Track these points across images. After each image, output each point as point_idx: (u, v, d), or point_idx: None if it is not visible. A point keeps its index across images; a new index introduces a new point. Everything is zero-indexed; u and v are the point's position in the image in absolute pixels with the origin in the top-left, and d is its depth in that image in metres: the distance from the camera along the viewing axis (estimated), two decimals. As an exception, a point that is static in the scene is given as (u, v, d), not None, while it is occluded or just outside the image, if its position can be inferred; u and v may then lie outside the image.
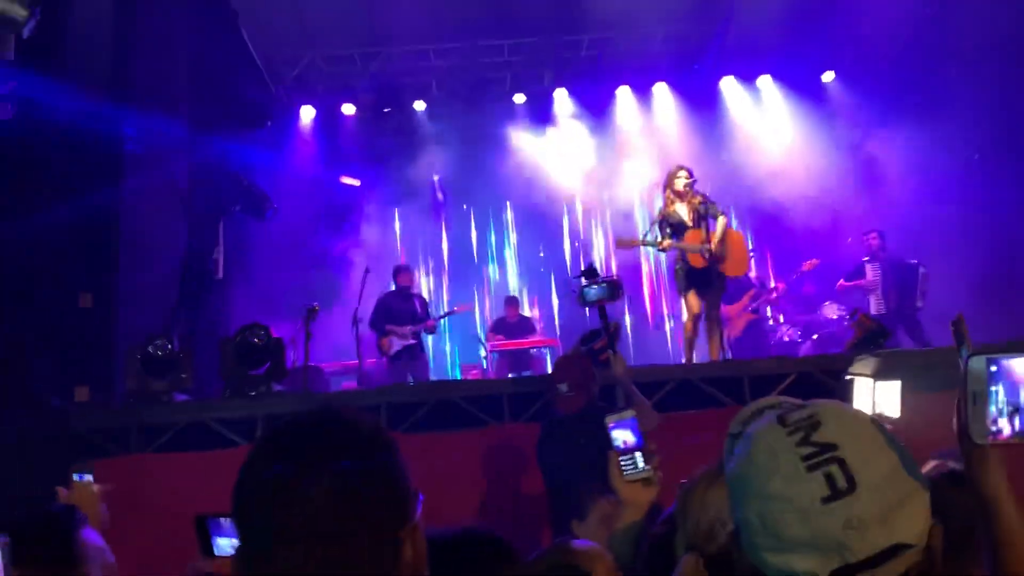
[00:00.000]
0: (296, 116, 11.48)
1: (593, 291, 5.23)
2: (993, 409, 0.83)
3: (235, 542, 1.11)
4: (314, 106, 11.58)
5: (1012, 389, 0.84)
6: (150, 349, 5.41)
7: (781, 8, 10.26)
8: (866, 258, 9.00)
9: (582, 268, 5.90)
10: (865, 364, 4.75)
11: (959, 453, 1.21)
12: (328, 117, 11.61)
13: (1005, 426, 0.83)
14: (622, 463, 1.78)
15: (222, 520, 1.78)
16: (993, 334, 8.27)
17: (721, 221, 6.74)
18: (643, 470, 1.78)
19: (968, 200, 9.39)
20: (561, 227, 12.30)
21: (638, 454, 1.77)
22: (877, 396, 4.25)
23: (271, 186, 9.45)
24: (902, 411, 3.98)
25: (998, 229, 9.13)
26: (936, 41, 9.73)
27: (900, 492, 0.99)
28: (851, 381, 4.67)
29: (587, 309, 6.12)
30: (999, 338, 7.56)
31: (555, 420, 4.27)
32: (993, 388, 0.83)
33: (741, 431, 1.15)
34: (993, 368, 0.83)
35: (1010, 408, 0.83)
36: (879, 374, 4.48)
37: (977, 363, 0.83)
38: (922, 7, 9.47)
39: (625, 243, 7.27)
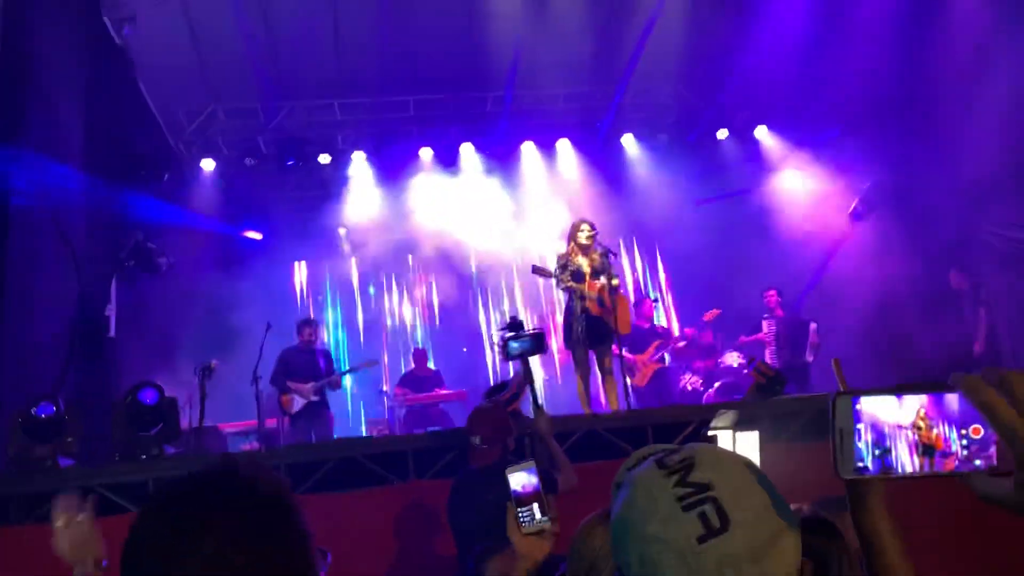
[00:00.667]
0: (196, 169, 11.22)
1: (517, 345, 5.25)
2: (860, 445, 0.86)
3: None
4: (215, 159, 11.35)
5: (876, 427, 0.87)
6: (33, 412, 5.12)
7: (675, 72, 10.79)
8: (765, 315, 9.61)
9: (507, 321, 5.95)
10: (724, 417, 4.87)
11: (832, 501, 1.25)
12: (229, 170, 11.39)
13: (870, 463, 0.87)
14: (520, 515, 1.77)
15: None
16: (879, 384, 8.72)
17: (614, 281, 6.90)
18: (541, 521, 1.77)
19: (856, 255, 9.94)
20: (468, 278, 12.34)
21: (535, 505, 1.76)
22: (737, 448, 4.36)
23: (169, 240, 9.19)
24: (761, 462, 4.09)
25: (884, 284, 9.65)
26: (825, 99, 10.31)
27: (771, 529, 1.02)
28: (714, 437, 4.78)
29: (510, 362, 6.15)
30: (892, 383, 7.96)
31: (467, 473, 4.23)
32: (859, 426, 0.86)
33: (624, 479, 1.17)
34: (858, 406, 0.87)
35: (875, 445, 0.87)
36: (738, 426, 4.59)
37: (843, 401, 0.87)
38: (814, 69, 10.02)
39: (540, 271, 7.35)
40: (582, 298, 6.84)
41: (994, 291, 8.82)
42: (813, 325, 9.41)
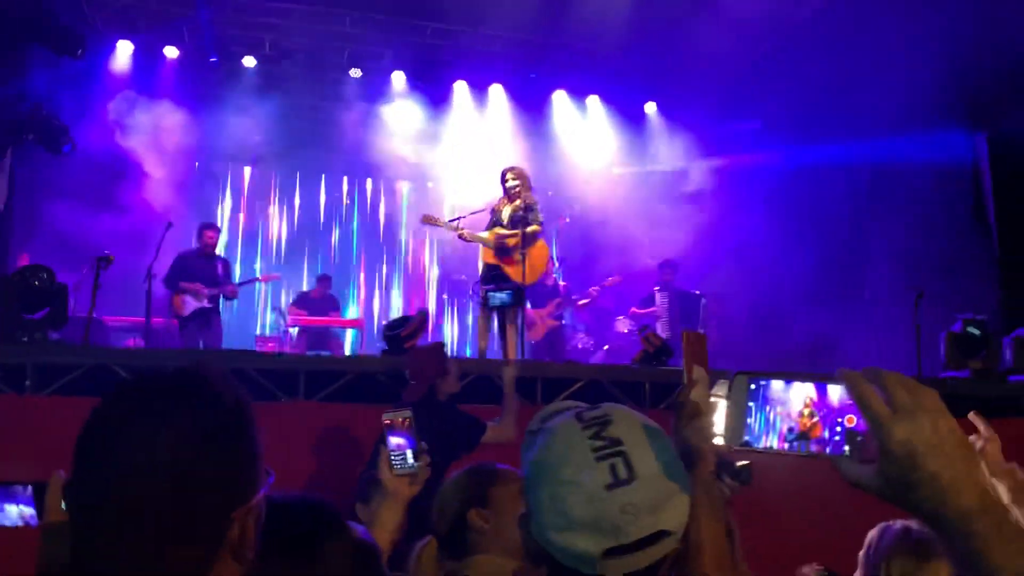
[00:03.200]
0: (112, 50, 10.60)
1: (499, 296, 5.33)
2: (749, 421, 0.98)
3: (24, 509, 1.06)
4: (133, 42, 10.74)
5: (765, 406, 0.98)
6: (-91, 278, 4.88)
7: (614, 35, 10.84)
8: (657, 287, 9.83)
9: (484, 270, 6.04)
10: (720, 387, 5.11)
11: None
12: (148, 57, 10.81)
13: (754, 438, 0.98)
14: (392, 458, 1.86)
15: (17, 488, 1.67)
16: (759, 364, 9.18)
17: (532, 228, 6.98)
18: (412, 466, 1.87)
19: (756, 242, 10.36)
20: (389, 206, 12.20)
21: (409, 451, 1.85)
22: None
23: (74, 121, 8.73)
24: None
25: (771, 267, 10.13)
26: (754, 89, 10.60)
27: (669, 487, 1.16)
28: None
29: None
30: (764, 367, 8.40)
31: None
32: (750, 403, 0.97)
33: (540, 427, 1.28)
34: (753, 386, 0.98)
35: (762, 422, 0.98)
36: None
37: (740, 379, 0.98)
38: (740, 48, 10.25)
39: (430, 220, 7.40)
40: (472, 239, 6.96)
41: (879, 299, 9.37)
42: (704, 301, 9.75)
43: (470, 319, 11.84)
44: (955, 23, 8.37)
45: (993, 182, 8.24)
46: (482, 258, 7.00)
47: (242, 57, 11.17)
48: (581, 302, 10.00)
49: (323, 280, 10.12)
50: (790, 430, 0.97)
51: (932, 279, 7.61)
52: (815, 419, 0.96)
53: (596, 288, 10.08)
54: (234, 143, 11.17)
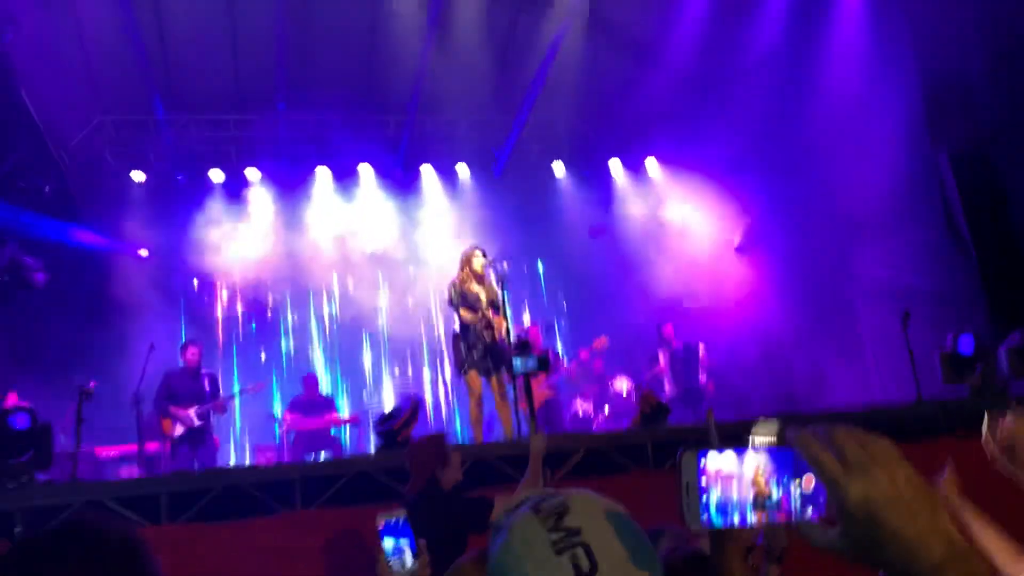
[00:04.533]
0: (82, 181, 10.71)
1: (523, 363, 5.27)
2: (704, 499, 0.94)
3: None
4: (100, 171, 10.87)
5: (718, 481, 0.94)
6: None
7: (575, 102, 11.11)
8: (660, 346, 10.07)
9: (515, 341, 6.00)
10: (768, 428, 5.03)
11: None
12: (116, 183, 10.94)
13: (714, 515, 0.94)
14: (390, 560, 1.82)
15: None
16: (761, 407, 9.15)
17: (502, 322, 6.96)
18: (411, 567, 1.82)
19: (740, 285, 10.43)
20: (375, 298, 12.18)
21: (407, 551, 1.81)
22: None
23: (49, 255, 8.75)
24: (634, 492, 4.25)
25: (765, 314, 10.17)
26: (713, 134, 10.77)
27: (635, 573, 1.09)
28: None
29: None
30: (770, 410, 8.37)
31: (402, 501, 4.20)
32: (702, 480, 0.94)
33: (502, 524, 1.22)
34: (702, 462, 0.94)
35: (718, 498, 0.94)
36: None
37: (688, 457, 0.94)
38: (701, 106, 10.47)
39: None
40: (488, 327, 6.86)
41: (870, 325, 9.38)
42: (702, 346, 9.89)
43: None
44: (901, 49, 8.60)
45: (961, 199, 8.33)
46: (482, 337, 6.91)
47: (208, 170, 11.30)
48: (571, 366, 10.06)
49: (310, 380, 10.01)
50: (749, 500, 0.93)
51: (921, 303, 7.62)
52: (771, 486, 0.92)
53: (584, 351, 10.11)
54: (212, 258, 11.22)
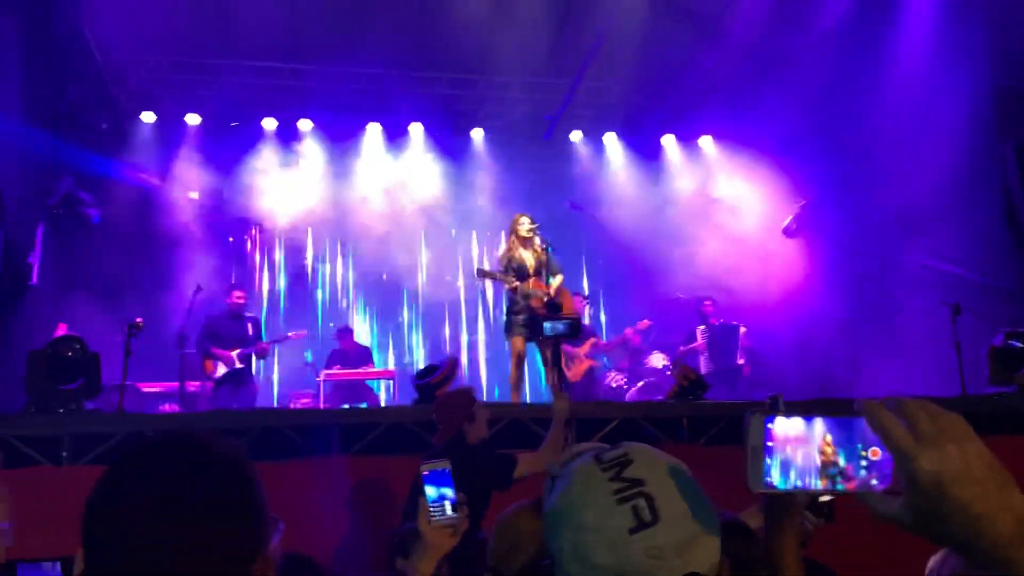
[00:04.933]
0: (136, 121, 10.88)
1: (555, 326, 5.34)
2: (769, 462, 0.94)
3: None
4: (156, 112, 11.03)
5: (785, 446, 0.94)
6: (-54, 356, 4.96)
7: (628, 73, 10.95)
8: (701, 327, 10.02)
9: (546, 301, 6.07)
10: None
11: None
12: (170, 125, 11.08)
13: (777, 479, 0.94)
14: (431, 509, 1.83)
15: (45, 564, 1.67)
16: (798, 393, 9.07)
17: (559, 278, 7.00)
18: (451, 517, 1.83)
19: (786, 268, 10.30)
20: (412, 256, 12.25)
21: (447, 502, 1.82)
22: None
23: (103, 193, 8.92)
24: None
25: (806, 294, 10.04)
26: (769, 114, 10.57)
27: (696, 527, 1.09)
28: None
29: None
30: (805, 396, 8.30)
31: (428, 451, 4.28)
32: (769, 443, 0.94)
33: (560, 472, 1.23)
34: (770, 426, 0.94)
35: (783, 463, 0.94)
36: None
37: (755, 420, 0.94)
38: (760, 84, 10.27)
39: (486, 274, 7.39)
40: (527, 296, 6.90)
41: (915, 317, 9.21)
42: (743, 329, 9.87)
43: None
44: (974, 36, 8.33)
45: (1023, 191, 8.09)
46: (530, 307, 6.95)
47: (262, 119, 11.39)
48: (615, 343, 10.07)
49: (345, 332, 10.11)
50: (814, 467, 0.93)
51: (970, 295, 7.45)
52: (838, 455, 0.91)
53: (630, 330, 10.11)
54: (259, 205, 11.35)
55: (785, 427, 0.94)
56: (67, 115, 8.36)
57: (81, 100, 8.44)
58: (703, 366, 9.70)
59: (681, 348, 10.13)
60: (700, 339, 10.00)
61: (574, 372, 9.20)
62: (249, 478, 1.09)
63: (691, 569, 1.07)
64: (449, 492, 1.85)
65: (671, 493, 1.11)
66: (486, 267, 7.40)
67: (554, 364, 6.40)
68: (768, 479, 0.93)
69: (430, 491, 1.84)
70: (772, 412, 0.95)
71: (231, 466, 1.07)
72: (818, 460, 0.92)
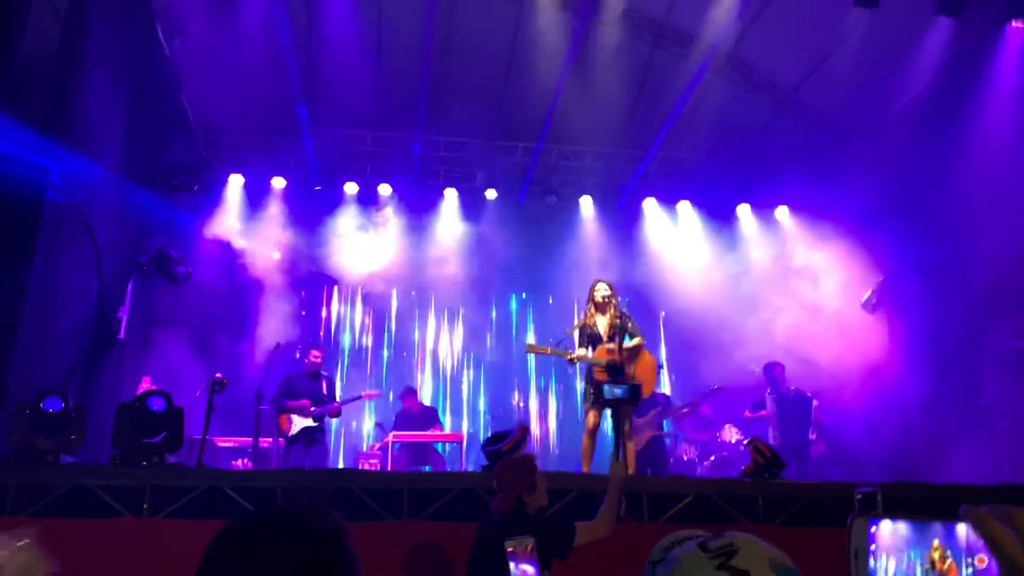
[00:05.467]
0: (224, 183, 11.38)
1: (616, 390, 5.32)
2: (874, 566, 0.93)
3: None
4: (244, 175, 11.52)
5: (890, 550, 0.93)
6: (41, 405, 5.16)
7: (699, 142, 11.01)
8: (768, 391, 9.56)
9: (607, 365, 6.07)
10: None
11: None
12: (257, 188, 11.54)
13: None
14: None
15: None
16: (874, 473, 8.74)
17: (636, 340, 6.88)
18: None
19: (864, 345, 10.01)
20: (488, 320, 12.38)
21: None
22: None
23: (189, 250, 9.29)
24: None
25: (887, 377, 9.71)
26: (847, 187, 10.44)
27: None
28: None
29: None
30: (883, 478, 8.00)
31: (485, 519, 4.26)
32: (872, 547, 0.93)
33: (663, 557, 1.23)
34: (873, 529, 0.93)
35: (888, 567, 0.93)
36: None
37: (859, 523, 0.94)
38: (838, 155, 10.19)
39: (534, 349, 7.33)
40: (591, 372, 6.83)
41: (1001, 400, 8.84)
42: (816, 402, 9.40)
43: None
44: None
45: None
46: (596, 377, 6.88)
47: (344, 183, 11.77)
48: (683, 410, 9.78)
49: (409, 393, 10.18)
50: (921, 573, 0.91)
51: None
52: (948, 560, 0.90)
53: (700, 395, 9.87)
54: (336, 265, 11.66)
55: (890, 530, 0.93)
56: (161, 176, 8.77)
57: (175, 162, 8.85)
58: (771, 438, 9.20)
59: (747, 413, 9.71)
60: (769, 407, 9.50)
61: (636, 442, 8.96)
62: (349, 551, 1.13)
63: None
64: (532, 570, 1.84)
65: None
66: (536, 344, 7.31)
67: (616, 431, 6.30)
68: None
69: (516, 568, 1.84)
70: (875, 515, 0.94)
71: (333, 540, 1.12)
72: (925, 566, 0.91)
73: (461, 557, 4.41)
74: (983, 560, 0.88)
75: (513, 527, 3.94)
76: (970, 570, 0.89)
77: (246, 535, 1.11)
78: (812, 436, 9.33)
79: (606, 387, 5.43)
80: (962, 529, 0.89)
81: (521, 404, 12.00)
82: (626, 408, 6.58)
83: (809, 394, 9.60)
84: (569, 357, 6.85)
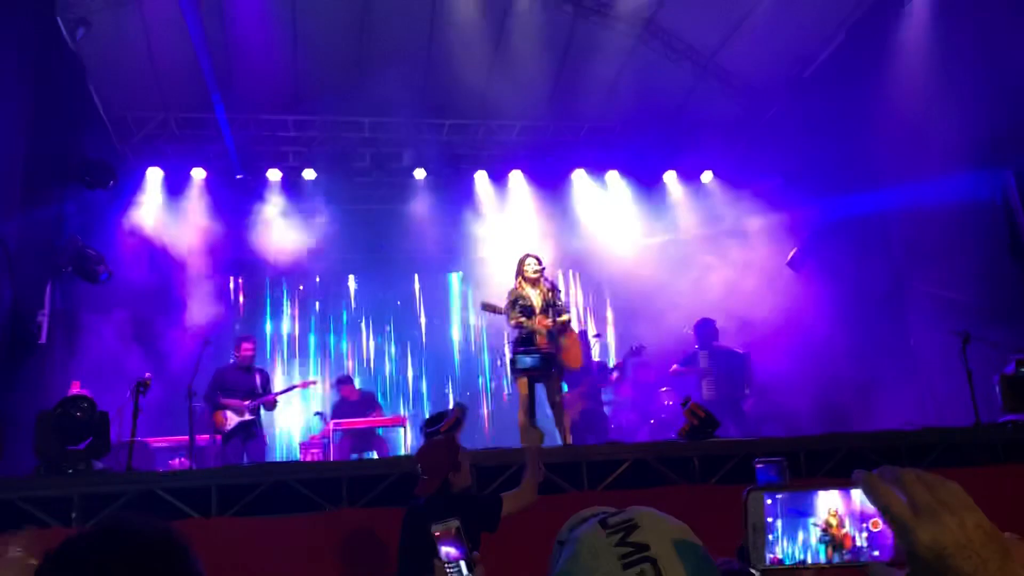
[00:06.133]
0: (142, 177, 11.02)
1: (527, 360, 5.29)
2: (771, 539, 0.94)
3: None
4: (162, 167, 11.18)
5: (786, 521, 0.94)
6: (-46, 420, 4.96)
7: (624, 111, 11.06)
8: (697, 346, 9.53)
9: (518, 337, 6.04)
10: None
11: None
12: (177, 180, 11.22)
13: (781, 555, 0.94)
14: (448, 570, 1.81)
15: None
16: (813, 426, 8.99)
17: (564, 317, 6.96)
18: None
19: (790, 300, 10.23)
20: (411, 300, 12.32)
21: (462, 563, 1.80)
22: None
23: (108, 248, 8.99)
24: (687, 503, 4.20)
25: (813, 323, 9.97)
26: (771, 147, 10.63)
27: None
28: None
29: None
30: (815, 430, 8.23)
31: (413, 505, 4.23)
32: (769, 519, 0.93)
33: (567, 537, 1.23)
34: (769, 502, 0.94)
35: (785, 538, 0.94)
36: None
37: (754, 497, 0.94)
38: (762, 117, 10.35)
39: (490, 307, 7.35)
40: (531, 333, 6.87)
41: (927, 348, 9.15)
42: (748, 356, 9.43)
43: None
44: (971, 65, 8.39)
45: (1026, 218, 8.08)
46: (534, 344, 6.93)
47: (266, 171, 11.52)
48: (613, 375, 9.89)
49: (345, 381, 10.09)
50: (817, 540, 0.92)
51: (977, 323, 7.41)
52: (844, 527, 0.91)
53: (624, 357, 9.98)
54: (261, 254, 11.45)
55: (787, 502, 0.93)
56: (74, 173, 8.44)
57: (87, 159, 8.53)
58: (704, 392, 9.12)
59: (675, 366, 9.54)
60: (703, 362, 9.34)
61: (571, 413, 8.99)
62: (179, 553, 1.13)
63: None
64: (463, 552, 1.83)
65: (676, 558, 1.11)
66: (491, 303, 7.34)
67: (530, 400, 6.34)
68: (771, 555, 0.93)
69: (444, 551, 1.82)
70: (769, 488, 0.95)
71: (163, 545, 1.12)
72: (821, 533, 0.92)
73: (396, 541, 4.41)
74: (877, 524, 0.90)
75: (439, 508, 3.95)
76: (865, 535, 0.90)
77: (75, 559, 1.10)
78: (747, 391, 9.36)
79: (519, 357, 5.44)
80: (856, 494, 0.91)
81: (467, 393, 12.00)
82: (551, 379, 6.67)
83: (741, 350, 9.68)
84: (515, 320, 6.86)
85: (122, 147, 10.64)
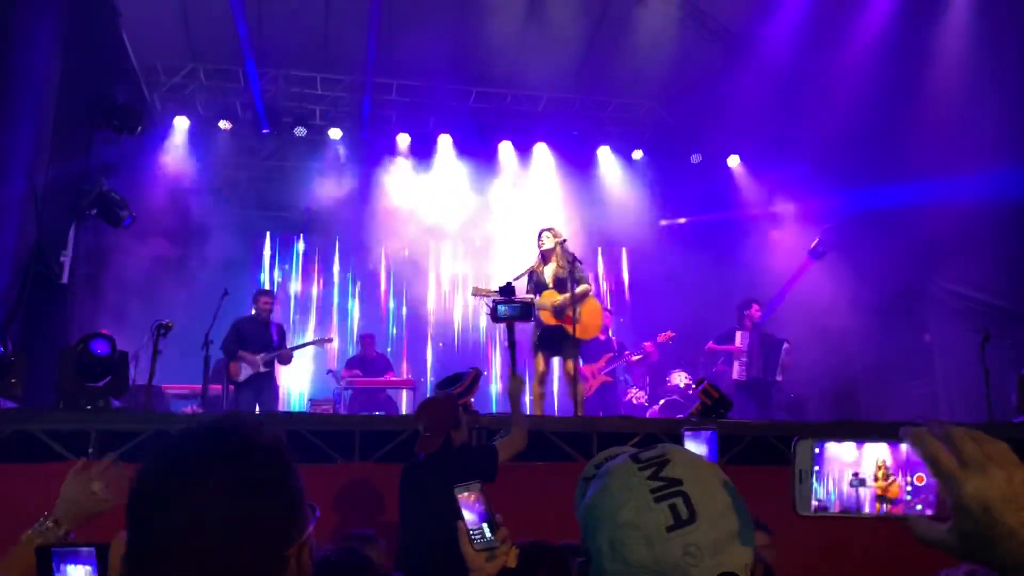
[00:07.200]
0: (169, 126, 11.06)
1: (507, 309, 5.30)
2: (817, 486, 0.96)
3: (87, 570, 1.08)
4: (189, 117, 11.20)
5: (834, 470, 0.96)
6: (-22, 350, 5.04)
7: (652, 90, 10.96)
8: (738, 327, 9.32)
9: (500, 286, 6.04)
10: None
11: None
12: (203, 131, 11.24)
13: (827, 502, 0.96)
14: (471, 533, 1.80)
15: (82, 550, 1.69)
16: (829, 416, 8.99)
17: (582, 287, 6.94)
18: (491, 541, 1.80)
19: (810, 290, 10.19)
20: (430, 268, 12.35)
21: (485, 525, 1.80)
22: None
23: (133, 194, 9.04)
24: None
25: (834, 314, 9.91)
26: (800, 135, 10.52)
27: (732, 527, 1.11)
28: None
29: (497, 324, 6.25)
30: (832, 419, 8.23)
31: (412, 460, 4.27)
32: (816, 468, 0.96)
33: (595, 472, 1.24)
34: (818, 451, 0.96)
35: (831, 487, 0.96)
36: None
37: (804, 445, 0.96)
38: (791, 104, 10.24)
39: (481, 292, 7.34)
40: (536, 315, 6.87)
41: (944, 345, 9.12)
42: (786, 345, 9.13)
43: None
44: (1010, 61, 8.27)
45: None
46: (542, 320, 6.95)
47: (294, 128, 11.53)
48: (634, 357, 9.85)
49: (368, 339, 10.17)
50: (862, 493, 0.94)
51: (998, 322, 7.37)
52: (890, 479, 0.93)
53: (649, 343, 9.93)
54: (289, 211, 11.50)
55: (834, 451, 0.95)
56: (103, 118, 8.47)
57: (117, 104, 8.55)
58: (736, 371, 9.03)
59: (712, 344, 9.41)
60: (740, 341, 9.14)
61: (586, 389, 8.97)
62: (287, 464, 1.11)
63: (725, 569, 1.08)
64: (486, 514, 1.82)
65: (708, 493, 1.12)
66: (482, 287, 7.33)
67: (509, 344, 6.35)
68: (815, 503, 0.95)
69: (468, 515, 1.81)
70: (820, 437, 0.97)
71: (269, 453, 1.10)
72: (869, 485, 0.94)
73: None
74: (922, 478, 0.92)
75: (441, 464, 4.00)
76: (910, 488, 0.92)
77: (182, 448, 1.09)
78: (779, 378, 9.06)
79: (500, 307, 5.44)
80: (903, 449, 0.93)
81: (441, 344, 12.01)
82: (570, 349, 6.70)
83: (782, 337, 9.32)
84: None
85: (152, 95, 10.66)
